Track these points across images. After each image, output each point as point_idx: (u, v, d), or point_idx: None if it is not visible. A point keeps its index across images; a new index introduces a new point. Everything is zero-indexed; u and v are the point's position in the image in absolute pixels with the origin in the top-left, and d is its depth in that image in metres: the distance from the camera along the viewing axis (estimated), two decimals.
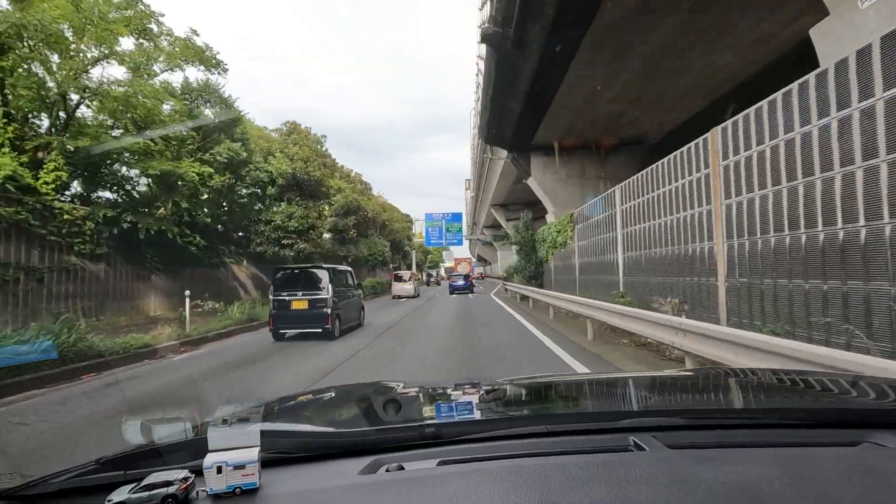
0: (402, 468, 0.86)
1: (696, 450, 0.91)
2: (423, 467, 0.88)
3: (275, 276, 10.38)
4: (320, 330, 9.57)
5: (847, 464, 0.81)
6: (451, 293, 27.10)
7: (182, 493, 0.75)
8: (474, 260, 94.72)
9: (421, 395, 1.55)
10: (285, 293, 9.82)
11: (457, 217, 47.86)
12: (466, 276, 29.53)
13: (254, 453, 0.80)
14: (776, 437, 0.98)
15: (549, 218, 19.81)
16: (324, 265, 10.73)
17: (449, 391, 1.59)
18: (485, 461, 0.88)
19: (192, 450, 0.88)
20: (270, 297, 10.10)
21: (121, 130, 12.03)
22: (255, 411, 1.22)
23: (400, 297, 23.98)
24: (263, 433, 0.84)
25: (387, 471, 0.86)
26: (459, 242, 49.39)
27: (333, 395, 1.61)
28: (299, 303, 9.62)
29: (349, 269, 12.73)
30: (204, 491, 0.78)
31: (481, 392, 1.53)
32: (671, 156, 7.86)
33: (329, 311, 9.57)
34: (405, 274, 25.63)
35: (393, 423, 1.13)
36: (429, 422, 1.17)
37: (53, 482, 0.86)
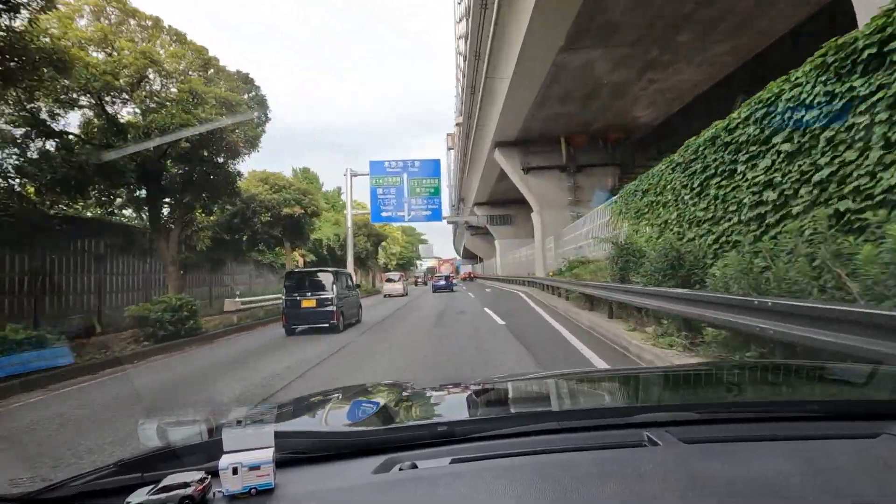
0: (415, 466, 0.84)
1: (711, 444, 0.88)
2: (436, 465, 0.85)
3: (286, 278, 11.41)
4: (327, 325, 10.47)
5: (865, 456, 0.78)
6: (434, 291, 28.22)
7: (199, 494, 0.73)
8: (459, 258, 77.78)
9: (432, 393, 1.54)
10: (296, 294, 10.77)
11: (432, 168, 26.01)
12: (447, 277, 31.44)
13: (268, 454, 0.78)
14: (792, 430, 0.93)
15: None
16: (328, 269, 11.90)
17: (460, 389, 1.55)
18: (498, 458, 0.85)
19: (208, 451, 0.86)
20: (283, 297, 11.01)
21: None
22: (269, 412, 1.25)
23: (391, 295, 25.82)
24: (277, 434, 0.82)
25: (400, 469, 0.83)
26: (436, 216, 26.67)
27: (346, 395, 1.57)
28: (308, 302, 10.62)
29: (349, 271, 14.69)
30: (220, 492, 0.76)
31: (493, 390, 1.54)
32: None
33: (334, 308, 10.54)
34: (395, 276, 28.40)
35: (405, 422, 1.16)
36: (441, 420, 1.16)
37: (73, 485, 0.84)
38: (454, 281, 34.30)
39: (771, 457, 0.76)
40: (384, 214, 26.73)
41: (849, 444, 0.83)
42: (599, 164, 22.24)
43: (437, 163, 27.10)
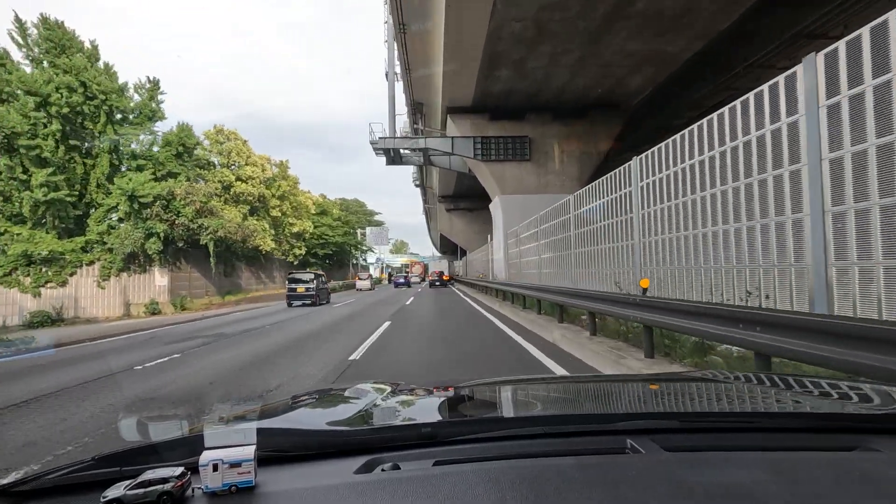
0: (397, 468, 0.82)
1: (692, 452, 0.88)
2: (418, 467, 0.84)
3: (288, 275, 20.07)
4: (310, 302, 18.81)
5: (842, 469, 0.77)
6: (396, 287, 37.88)
7: (178, 490, 0.70)
8: (437, 253, 62.60)
9: (417, 394, 1.50)
10: (293, 284, 19.35)
11: None
12: (405, 276, 40.72)
13: (250, 451, 0.75)
14: (772, 441, 0.93)
15: None
16: (310, 270, 20.55)
17: (446, 391, 1.54)
18: (480, 462, 0.84)
19: (189, 447, 0.83)
20: (287, 286, 19.49)
21: None
22: (252, 410, 1.20)
23: (361, 289, 33.26)
24: (260, 431, 0.80)
25: (382, 470, 0.82)
26: None
27: (330, 395, 1.56)
28: (300, 288, 19.25)
29: (322, 273, 21.97)
30: (200, 488, 0.73)
31: (477, 392, 1.54)
32: None
33: (314, 293, 19.13)
34: (364, 275, 35.99)
35: (389, 423, 1.13)
36: (424, 422, 1.13)
37: (48, 478, 0.79)
38: (412, 280, 44.97)
39: (750, 467, 0.76)
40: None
41: (826, 457, 0.81)
42: None
43: None
